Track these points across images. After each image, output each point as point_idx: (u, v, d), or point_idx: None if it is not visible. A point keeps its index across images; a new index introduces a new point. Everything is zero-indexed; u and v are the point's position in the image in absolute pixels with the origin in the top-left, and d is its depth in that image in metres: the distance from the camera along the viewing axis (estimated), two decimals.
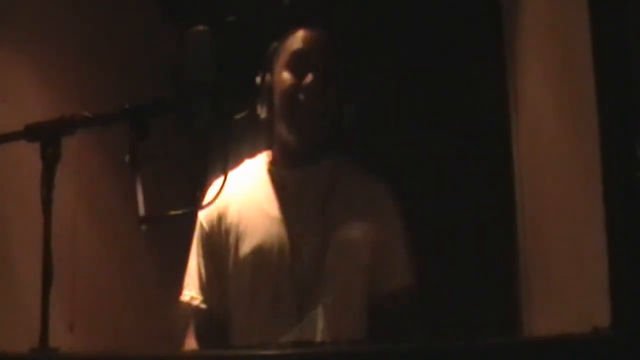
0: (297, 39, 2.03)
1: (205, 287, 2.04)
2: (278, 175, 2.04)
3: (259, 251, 1.96)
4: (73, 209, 2.71)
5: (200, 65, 1.45)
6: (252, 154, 2.14)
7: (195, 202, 1.75)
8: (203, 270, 2.05)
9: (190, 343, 2.03)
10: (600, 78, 1.21)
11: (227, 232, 2.01)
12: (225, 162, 1.55)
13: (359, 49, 2.19)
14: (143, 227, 1.46)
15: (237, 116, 1.52)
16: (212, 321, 2.03)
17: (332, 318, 1.87)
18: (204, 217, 2.04)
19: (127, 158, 1.45)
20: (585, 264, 1.62)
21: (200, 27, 1.47)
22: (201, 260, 2.06)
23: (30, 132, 1.50)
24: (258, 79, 2.00)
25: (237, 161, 2.10)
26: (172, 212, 1.51)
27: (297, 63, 2.00)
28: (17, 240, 2.47)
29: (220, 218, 2.03)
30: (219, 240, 2.02)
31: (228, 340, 1.99)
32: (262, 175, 2.06)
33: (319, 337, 1.83)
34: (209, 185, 1.88)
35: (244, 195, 2.04)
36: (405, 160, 3.36)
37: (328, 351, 1.32)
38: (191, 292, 2.06)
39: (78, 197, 2.75)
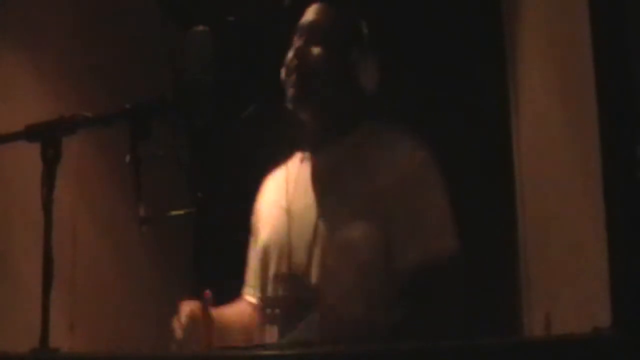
0: (303, 17, 2.00)
1: (251, 279, 2.08)
2: (295, 165, 2.01)
3: (264, 250, 1.97)
4: (73, 209, 2.71)
5: (200, 65, 1.45)
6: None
7: (195, 202, 1.75)
8: (251, 263, 2.09)
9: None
10: (600, 78, 1.21)
11: (258, 228, 2.05)
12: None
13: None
14: (143, 227, 1.46)
15: (244, 114, 1.53)
16: None
17: (327, 319, 1.83)
18: (253, 210, 2.09)
19: (127, 158, 1.45)
20: (585, 264, 1.62)
21: (200, 27, 1.47)
22: (250, 252, 2.10)
23: (31, 133, 1.50)
24: (282, 71, 1.95)
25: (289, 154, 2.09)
26: (172, 212, 1.51)
27: (294, 40, 1.97)
28: (17, 240, 2.48)
29: (257, 215, 2.08)
30: (256, 236, 2.06)
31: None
32: (290, 164, 2.04)
33: (314, 336, 1.81)
34: (208, 185, 1.88)
35: (272, 189, 2.06)
36: None
37: (328, 351, 1.32)
38: (246, 286, 2.10)
39: (78, 197, 2.75)
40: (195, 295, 2.05)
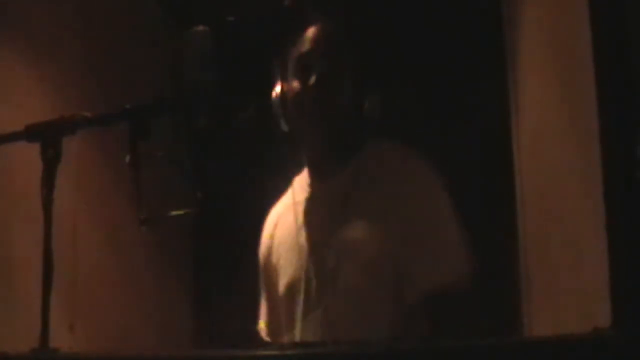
0: (301, 42, 1.94)
1: (266, 319, 2.03)
2: (306, 191, 1.96)
3: (289, 288, 1.91)
4: (73, 209, 2.71)
5: (200, 65, 1.45)
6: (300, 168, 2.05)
7: (195, 202, 1.75)
8: (263, 301, 2.04)
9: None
10: (600, 78, 1.21)
11: (274, 266, 1.98)
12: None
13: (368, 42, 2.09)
14: (143, 227, 1.46)
15: (240, 117, 1.52)
16: None
17: (335, 319, 1.82)
18: (260, 247, 2.03)
19: (127, 158, 1.45)
20: (585, 264, 1.62)
21: (200, 27, 1.47)
22: (262, 290, 2.05)
23: (31, 133, 1.50)
24: (273, 92, 1.91)
25: (288, 182, 2.03)
26: (172, 212, 1.51)
27: (301, 68, 1.91)
28: (17, 240, 2.48)
29: (269, 252, 2.00)
30: (270, 275, 1.99)
31: None
32: (297, 196, 1.98)
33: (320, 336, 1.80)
34: (208, 185, 1.86)
35: (284, 223, 1.99)
36: None
37: (328, 351, 1.32)
38: (260, 322, 2.05)
39: (78, 197, 2.75)
40: (195, 295, 2.05)
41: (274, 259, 1.98)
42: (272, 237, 2.01)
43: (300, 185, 1.99)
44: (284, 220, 2.00)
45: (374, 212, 1.82)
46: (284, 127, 1.91)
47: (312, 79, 1.87)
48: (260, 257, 2.04)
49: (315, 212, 1.91)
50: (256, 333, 2.05)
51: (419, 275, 1.78)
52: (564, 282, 1.92)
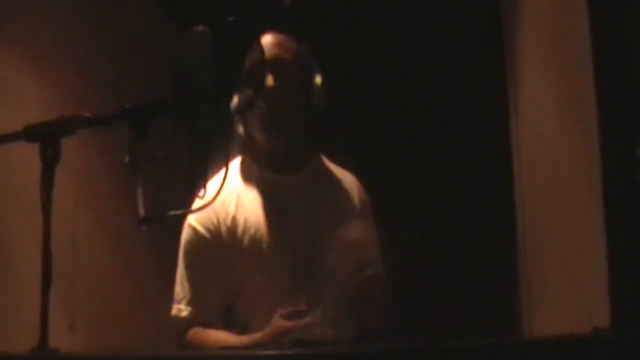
0: (254, 51, 2.01)
1: (201, 298, 1.98)
2: (268, 181, 2.03)
3: (260, 259, 1.95)
4: (73, 209, 2.71)
5: (201, 65, 1.45)
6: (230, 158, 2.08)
7: (195, 203, 1.75)
8: (199, 280, 1.99)
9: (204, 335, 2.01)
10: (600, 78, 1.21)
11: (228, 238, 1.97)
12: (225, 159, 1.55)
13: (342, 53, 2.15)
14: (143, 227, 1.46)
15: (237, 108, 1.53)
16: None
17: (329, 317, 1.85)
18: (198, 222, 1.99)
19: (127, 158, 1.45)
20: (585, 264, 1.62)
21: (201, 28, 1.47)
22: (197, 268, 2.00)
23: (30, 133, 1.50)
24: (232, 102, 1.96)
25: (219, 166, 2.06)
26: (172, 212, 1.51)
27: (254, 74, 1.94)
28: (17, 240, 2.48)
29: (219, 224, 1.99)
30: (219, 247, 1.97)
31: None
32: (252, 180, 2.04)
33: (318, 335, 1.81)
34: (206, 183, 1.85)
35: (241, 200, 2.01)
36: (405, 160, 3.36)
37: (328, 351, 1.32)
38: (182, 304, 1.99)
39: (78, 197, 2.75)
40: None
41: (233, 234, 1.98)
42: (219, 216, 1.99)
43: (246, 171, 2.05)
44: (241, 202, 2.01)
45: (334, 208, 2.03)
46: (240, 128, 2.01)
47: (269, 81, 1.96)
48: (206, 236, 1.99)
49: (286, 202, 2.01)
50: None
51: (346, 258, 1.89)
52: (564, 282, 1.92)
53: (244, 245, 1.97)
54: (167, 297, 2.06)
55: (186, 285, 2.00)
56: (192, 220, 1.99)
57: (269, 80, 1.97)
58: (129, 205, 1.48)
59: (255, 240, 1.97)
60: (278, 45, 2.01)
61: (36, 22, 2.67)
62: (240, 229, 1.98)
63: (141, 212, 1.45)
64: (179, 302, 2.00)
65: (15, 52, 2.59)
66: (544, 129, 2.17)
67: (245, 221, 1.99)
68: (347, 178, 2.13)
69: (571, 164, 1.80)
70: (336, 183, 2.10)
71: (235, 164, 2.08)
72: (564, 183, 1.89)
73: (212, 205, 1.80)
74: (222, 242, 1.98)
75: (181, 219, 1.98)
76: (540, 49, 2.19)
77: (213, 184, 1.74)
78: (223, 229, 1.99)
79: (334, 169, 2.13)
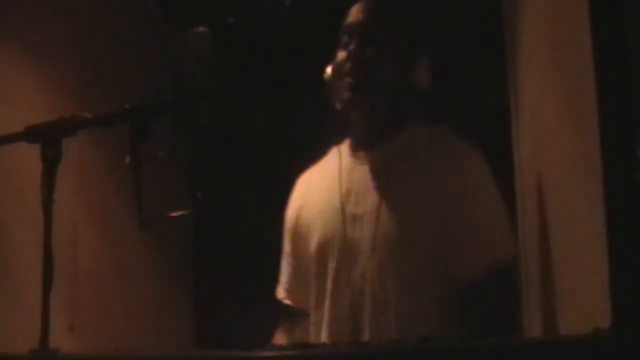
0: (347, 17, 1.96)
1: (289, 282, 2.04)
2: (347, 162, 1.96)
3: (321, 248, 1.92)
4: (73, 210, 2.71)
5: (201, 66, 1.45)
6: (339, 143, 2.06)
7: (195, 203, 1.75)
8: (287, 266, 2.04)
9: (277, 338, 2.02)
10: (600, 78, 1.21)
11: (306, 226, 1.99)
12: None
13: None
14: (143, 227, 1.46)
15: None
16: (298, 316, 2.01)
17: (384, 316, 1.82)
18: (289, 210, 2.03)
19: (127, 159, 1.45)
20: (585, 264, 1.62)
21: (201, 28, 1.47)
22: (285, 255, 2.05)
23: (31, 133, 1.50)
24: (327, 70, 1.92)
25: (325, 149, 2.05)
26: (172, 213, 1.51)
27: (344, 39, 1.93)
28: (17, 240, 2.48)
29: (301, 212, 2.01)
30: (301, 235, 2.00)
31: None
32: (337, 163, 1.98)
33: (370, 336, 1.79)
34: (208, 185, 1.86)
35: (321, 186, 2.00)
36: None
37: (328, 351, 1.32)
38: (280, 287, 2.05)
39: (78, 197, 2.75)
40: (195, 296, 2.05)
41: (304, 220, 1.99)
42: (303, 198, 2.02)
43: (339, 153, 1.99)
44: (317, 184, 2.01)
45: (419, 187, 1.86)
46: (338, 104, 1.91)
47: (352, 45, 1.89)
48: (288, 218, 2.04)
49: (358, 179, 1.92)
50: (280, 309, 2.05)
51: (470, 252, 1.83)
52: (564, 282, 1.92)
53: (310, 248, 1.96)
54: (167, 297, 2.06)
55: (282, 269, 2.06)
56: (289, 208, 2.02)
57: (348, 42, 1.91)
58: (129, 205, 1.48)
59: (317, 245, 1.93)
60: (364, 10, 1.95)
61: (36, 22, 2.67)
62: (310, 230, 1.97)
63: (141, 212, 1.45)
64: (280, 285, 2.06)
65: (15, 52, 2.59)
66: (544, 129, 2.16)
67: (315, 222, 1.96)
68: (448, 150, 1.92)
69: (571, 164, 1.80)
70: (431, 155, 1.91)
71: (337, 147, 2.02)
72: (564, 183, 1.89)
73: (299, 196, 1.91)
74: (301, 235, 1.99)
75: (181, 219, 1.98)
76: (541, 48, 2.18)
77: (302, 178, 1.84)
78: (303, 223, 2.00)
79: (438, 142, 1.94)
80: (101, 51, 2.96)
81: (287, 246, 2.05)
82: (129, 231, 2.78)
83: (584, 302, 1.62)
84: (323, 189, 1.98)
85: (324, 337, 1.87)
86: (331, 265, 1.89)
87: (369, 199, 1.88)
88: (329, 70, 1.93)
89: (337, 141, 2.04)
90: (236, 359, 1.38)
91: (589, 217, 1.49)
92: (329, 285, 1.89)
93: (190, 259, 3.37)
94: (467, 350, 1.14)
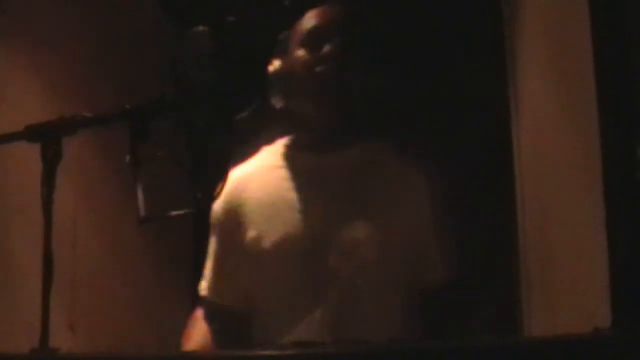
0: (308, 18, 1.96)
1: (217, 278, 2.00)
2: (301, 161, 1.96)
3: (280, 244, 1.90)
4: (73, 210, 2.71)
5: (201, 65, 1.45)
6: (269, 142, 2.06)
7: (195, 202, 1.74)
8: (216, 261, 2.01)
9: (192, 329, 2.00)
10: (600, 78, 1.21)
11: (247, 222, 1.95)
12: (226, 160, 1.55)
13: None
14: (143, 227, 1.46)
15: (239, 116, 1.52)
16: (224, 314, 1.99)
17: (337, 316, 1.83)
18: (219, 206, 1.98)
19: (127, 158, 1.45)
20: (585, 264, 1.62)
21: (201, 28, 1.47)
22: (215, 250, 2.02)
23: (31, 133, 1.50)
24: (270, 67, 1.91)
25: (255, 149, 2.04)
26: (172, 213, 1.51)
27: (312, 39, 1.92)
28: (17, 240, 2.48)
29: (238, 207, 1.97)
30: (236, 231, 1.97)
31: (248, 333, 1.94)
32: (282, 162, 1.98)
33: (323, 336, 1.79)
34: (213, 182, 1.85)
35: (263, 183, 1.97)
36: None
37: (328, 351, 1.32)
38: (203, 282, 2.03)
39: (78, 197, 2.75)
40: (195, 296, 2.05)
41: (243, 217, 1.96)
42: (240, 195, 1.98)
43: (277, 151, 2.00)
44: (258, 181, 1.98)
45: (381, 197, 1.91)
46: (279, 102, 1.92)
47: (328, 46, 1.89)
48: (219, 214, 2.00)
49: (315, 181, 1.92)
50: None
51: (418, 271, 1.92)
52: (564, 282, 1.92)
53: (261, 244, 1.93)
54: (167, 297, 2.06)
55: (207, 264, 2.03)
56: (214, 204, 1.97)
57: (325, 47, 1.91)
58: (129, 205, 1.48)
59: (274, 241, 1.92)
60: (336, 13, 1.96)
61: (36, 22, 2.67)
62: (258, 226, 1.94)
63: (141, 212, 1.45)
64: (204, 279, 2.03)
65: (14, 51, 2.59)
66: (544, 128, 2.17)
67: (266, 219, 1.94)
68: (402, 165, 1.98)
69: (571, 163, 1.80)
70: (388, 168, 1.96)
71: (271, 147, 2.03)
72: (565, 183, 1.89)
73: (233, 192, 1.87)
74: (237, 231, 1.96)
75: (181, 219, 1.98)
76: (541, 48, 2.19)
77: (232, 173, 1.75)
78: (241, 219, 1.96)
79: (391, 153, 2.00)
80: (101, 51, 2.97)
81: (214, 242, 2.02)
82: (129, 231, 2.79)
83: (584, 302, 1.62)
84: (270, 187, 1.96)
85: (273, 331, 1.87)
86: (292, 262, 1.88)
87: (331, 200, 1.89)
88: (277, 64, 1.92)
89: (269, 140, 2.04)
90: (236, 359, 1.38)
91: (589, 217, 1.49)
92: (291, 281, 1.87)
93: (189, 258, 3.37)
94: (467, 350, 1.14)
